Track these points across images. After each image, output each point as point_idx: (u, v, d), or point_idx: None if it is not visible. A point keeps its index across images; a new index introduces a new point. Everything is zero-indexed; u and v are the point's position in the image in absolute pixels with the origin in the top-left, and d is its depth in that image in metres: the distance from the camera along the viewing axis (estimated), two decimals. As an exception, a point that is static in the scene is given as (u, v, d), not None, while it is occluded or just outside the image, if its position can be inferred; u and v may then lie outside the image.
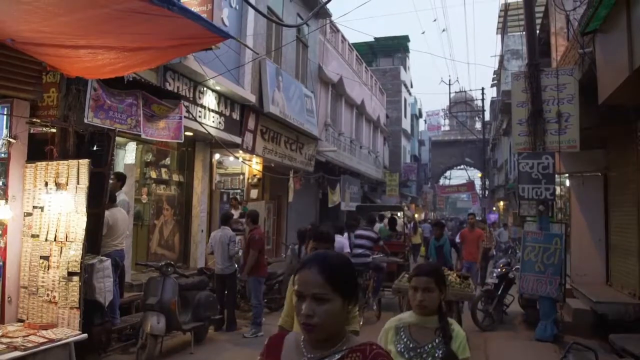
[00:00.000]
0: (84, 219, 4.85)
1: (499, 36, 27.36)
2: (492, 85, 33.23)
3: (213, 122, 9.20)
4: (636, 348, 5.23)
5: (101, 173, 5.33)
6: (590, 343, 4.66)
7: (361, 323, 7.66)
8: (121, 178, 6.71)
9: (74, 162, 5.05)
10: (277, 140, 12.13)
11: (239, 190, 11.36)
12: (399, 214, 15.59)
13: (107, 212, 5.82)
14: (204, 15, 6.91)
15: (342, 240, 7.77)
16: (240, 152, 10.39)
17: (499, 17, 25.45)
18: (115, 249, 6.17)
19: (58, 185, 5.04)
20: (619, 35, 5.36)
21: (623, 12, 5.24)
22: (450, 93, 32.18)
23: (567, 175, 9.42)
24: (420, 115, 42.29)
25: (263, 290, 7.53)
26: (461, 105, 38.01)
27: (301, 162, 13.66)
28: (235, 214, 10.34)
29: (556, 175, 7.58)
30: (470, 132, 37.40)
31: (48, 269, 4.96)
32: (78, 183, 4.96)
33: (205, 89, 8.89)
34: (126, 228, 6.56)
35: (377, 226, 12.45)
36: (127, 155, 7.70)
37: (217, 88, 9.17)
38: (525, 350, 6.79)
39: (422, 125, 44.20)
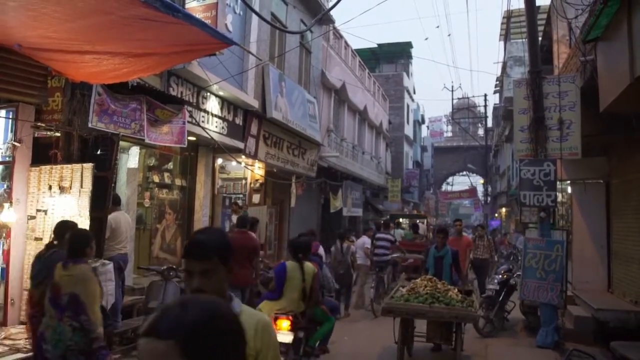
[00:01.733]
0: (87, 222, 4.90)
1: (502, 43, 27.45)
2: (494, 92, 33.27)
3: (216, 127, 9.24)
4: (637, 356, 5.22)
5: (104, 177, 5.37)
6: (590, 350, 4.68)
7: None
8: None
9: (77, 166, 5.10)
10: (280, 146, 12.17)
11: (241, 195, 11.40)
12: (424, 220, 21.12)
13: (110, 215, 5.84)
14: (208, 22, 6.97)
15: (365, 240, 10.61)
16: (243, 157, 10.43)
17: (502, 24, 25.56)
18: (119, 253, 6.19)
19: (62, 189, 5.10)
20: (620, 43, 5.40)
21: (624, 21, 5.27)
22: (452, 99, 32.16)
23: (568, 182, 9.43)
24: (423, 122, 42.34)
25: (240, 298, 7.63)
26: (464, 111, 38.03)
27: (303, 167, 13.69)
28: (235, 219, 10.40)
29: (558, 182, 7.60)
30: (473, 139, 37.42)
31: (51, 272, 4.99)
32: (82, 187, 5.01)
33: (208, 94, 8.94)
34: (129, 231, 6.58)
35: (401, 232, 16.60)
36: (130, 160, 7.74)
37: (221, 93, 9.22)
38: (526, 357, 6.79)
39: (424, 132, 44.27)
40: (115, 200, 6.14)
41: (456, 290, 5.91)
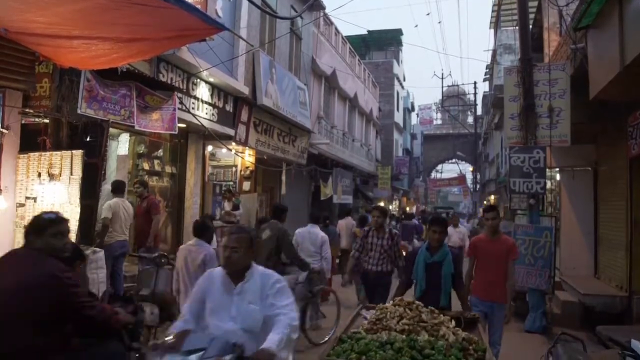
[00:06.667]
0: (78, 209, 4.86)
1: (492, 31, 27.42)
2: (484, 80, 33.28)
3: (206, 113, 9.17)
4: (623, 338, 5.33)
5: (94, 164, 5.32)
6: (578, 334, 4.74)
7: None
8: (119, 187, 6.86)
9: (67, 153, 5.05)
10: (270, 133, 12.13)
11: (231, 183, 11.36)
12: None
13: (110, 202, 6.30)
14: (198, 7, 6.87)
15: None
16: (233, 144, 10.38)
17: (492, 11, 25.50)
18: (117, 240, 6.35)
19: (51, 176, 5.04)
20: (611, 31, 5.42)
21: (615, 9, 5.29)
22: (442, 87, 32.26)
23: (557, 169, 9.52)
24: (413, 109, 42.35)
25: None
26: (453, 99, 38.13)
27: (294, 154, 13.67)
28: (227, 206, 10.36)
29: (547, 169, 7.67)
30: (462, 126, 37.57)
31: (41, 260, 4.96)
32: (71, 174, 4.97)
33: (198, 80, 8.85)
34: (128, 219, 6.72)
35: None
36: (120, 147, 7.67)
37: (211, 80, 9.13)
38: (514, 342, 6.87)
39: (414, 119, 44.29)
40: (119, 187, 6.39)
41: (453, 322, 3.34)
